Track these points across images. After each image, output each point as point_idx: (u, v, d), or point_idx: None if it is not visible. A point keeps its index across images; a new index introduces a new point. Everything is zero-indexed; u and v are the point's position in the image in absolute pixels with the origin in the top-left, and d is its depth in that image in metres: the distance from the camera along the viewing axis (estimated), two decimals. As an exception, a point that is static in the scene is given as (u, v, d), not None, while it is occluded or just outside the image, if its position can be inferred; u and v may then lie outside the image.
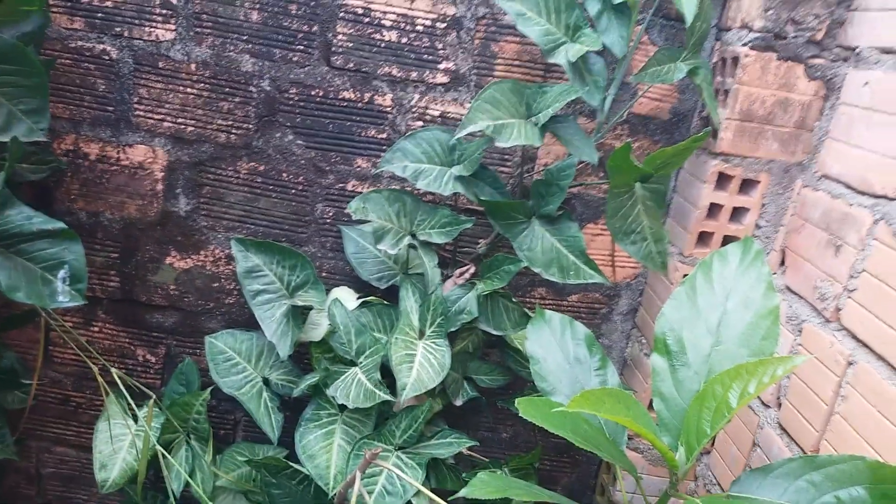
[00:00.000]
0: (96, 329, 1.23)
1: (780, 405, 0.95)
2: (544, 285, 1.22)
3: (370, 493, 1.00)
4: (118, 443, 1.13)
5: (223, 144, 1.13)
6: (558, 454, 1.33)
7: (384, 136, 1.12)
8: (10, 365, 1.18)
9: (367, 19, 1.06)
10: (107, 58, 1.08)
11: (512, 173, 1.14)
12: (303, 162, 1.14)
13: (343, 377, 1.05)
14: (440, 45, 1.08)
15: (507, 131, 0.94)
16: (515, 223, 1.02)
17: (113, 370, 1.14)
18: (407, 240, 1.05)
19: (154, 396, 1.13)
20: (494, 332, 1.11)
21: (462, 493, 0.76)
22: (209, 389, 1.13)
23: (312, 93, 1.10)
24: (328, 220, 1.17)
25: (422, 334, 1.06)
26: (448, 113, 1.11)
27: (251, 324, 1.18)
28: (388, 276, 1.14)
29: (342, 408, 1.09)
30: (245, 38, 1.07)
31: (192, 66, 1.08)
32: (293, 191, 1.15)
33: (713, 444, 1.11)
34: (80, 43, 1.07)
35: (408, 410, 1.05)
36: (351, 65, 1.09)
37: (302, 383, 1.09)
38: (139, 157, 1.13)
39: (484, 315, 1.10)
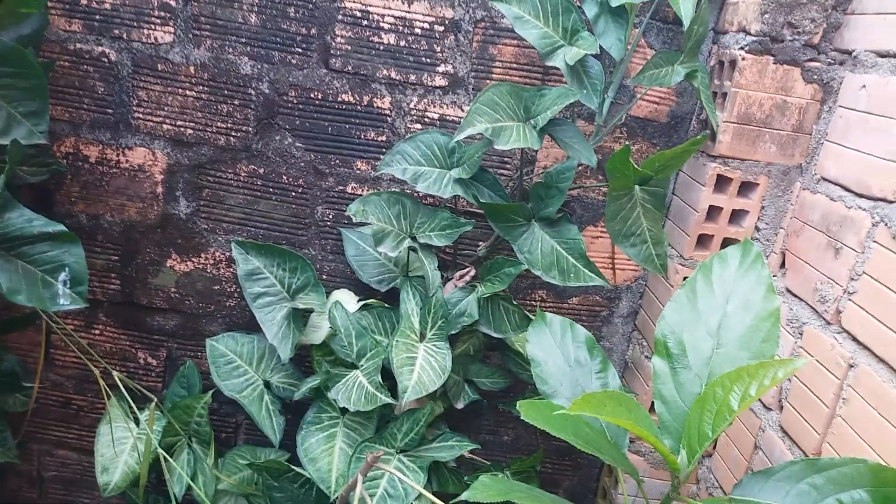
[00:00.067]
0: (97, 332, 1.23)
1: (781, 408, 0.95)
2: (545, 288, 1.22)
3: (372, 496, 1.00)
4: (120, 446, 1.13)
5: (223, 147, 1.13)
6: (560, 457, 1.33)
7: (383, 138, 1.12)
8: (11, 368, 1.18)
9: (365, 22, 1.06)
10: (106, 60, 1.08)
11: (511, 176, 1.14)
12: (302, 164, 1.14)
13: (344, 380, 1.05)
14: (438, 48, 1.08)
15: (505, 134, 0.94)
16: (515, 226, 1.02)
17: (114, 373, 1.14)
18: (407, 242, 1.05)
19: (155, 399, 1.13)
20: (495, 335, 1.11)
21: (464, 496, 0.76)
22: (210, 392, 1.13)
23: (311, 95, 1.10)
24: (328, 223, 1.17)
25: (423, 337, 1.06)
26: (447, 116, 1.11)
27: (252, 326, 1.18)
28: (389, 278, 1.14)
29: (343, 411, 1.09)
30: (244, 40, 1.07)
31: (191, 69, 1.08)
32: (293, 193, 1.15)
33: (715, 446, 1.11)
34: (78, 45, 1.07)
35: (409, 413, 1.06)
36: (349, 67, 1.09)
37: (303, 386, 1.09)
38: (139, 160, 1.13)
39: (484, 318, 1.10)
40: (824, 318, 0.89)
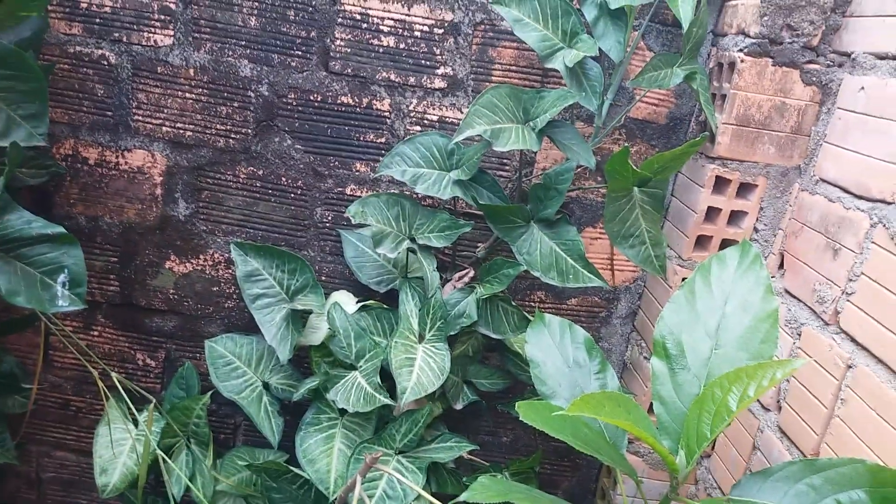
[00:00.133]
0: (96, 333, 1.23)
1: (779, 408, 0.95)
2: (543, 289, 1.22)
3: (371, 497, 1.00)
4: (118, 447, 1.13)
5: (222, 149, 1.13)
6: (559, 458, 1.33)
7: (383, 140, 1.13)
8: (9, 369, 1.18)
9: (365, 25, 1.07)
10: (105, 63, 1.08)
11: (510, 177, 1.15)
12: (301, 166, 1.14)
13: (343, 381, 1.05)
14: (438, 51, 1.08)
15: (504, 136, 0.95)
16: (514, 227, 1.02)
17: (113, 374, 1.14)
18: (406, 244, 1.05)
19: (154, 401, 1.13)
20: (494, 336, 1.11)
21: (463, 497, 0.76)
22: (209, 393, 1.13)
23: (311, 97, 1.10)
24: (327, 224, 1.17)
25: (421, 338, 1.06)
26: (446, 117, 1.11)
27: (251, 328, 1.18)
28: (388, 279, 1.14)
29: (342, 412, 1.09)
30: (243, 43, 1.07)
31: (191, 72, 1.08)
32: (292, 195, 1.16)
33: (713, 447, 1.11)
34: (78, 48, 1.07)
35: (408, 414, 1.06)
36: (349, 70, 1.09)
37: (302, 387, 1.09)
38: (138, 162, 1.13)
39: (483, 319, 1.10)
40: (823, 319, 0.89)
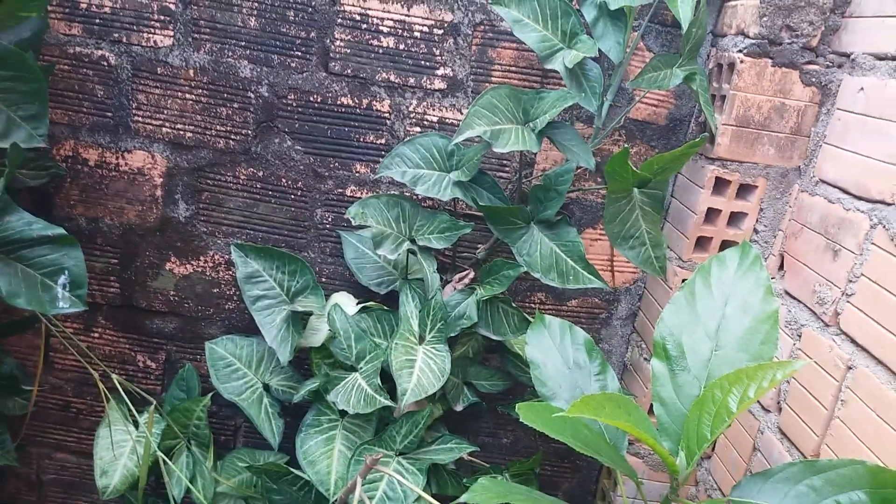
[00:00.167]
0: (96, 335, 1.23)
1: (780, 410, 0.95)
2: (544, 290, 1.22)
3: (371, 498, 1.00)
4: (119, 449, 1.13)
5: (222, 150, 1.13)
6: (559, 459, 1.33)
7: (382, 141, 1.13)
8: (10, 371, 1.18)
9: (364, 25, 1.07)
10: (105, 64, 1.08)
11: (510, 178, 1.15)
12: (301, 167, 1.14)
13: (343, 383, 1.05)
14: (438, 51, 1.08)
15: (504, 137, 0.95)
16: (514, 228, 1.02)
17: (113, 376, 1.14)
18: (406, 245, 1.05)
19: (155, 402, 1.13)
20: (494, 338, 1.11)
21: (463, 498, 0.76)
22: (210, 395, 1.13)
23: (311, 98, 1.10)
24: (327, 226, 1.17)
25: (422, 339, 1.06)
26: (446, 118, 1.11)
27: (251, 329, 1.18)
28: (388, 281, 1.14)
29: (343, 413, 1.09)
30: (243, 44, 1.07)
31: (191, 72, 1.08)
32: (292, 196, 1.16)
33: (713, 448, 1.11)
34: (78, 49, 1.07)
35: (408, 416, 1.06)
36: (349, 71, 1.09)
37: (302, 389, 1.09)
38: (138, 163, 1.13)
39: (483, 320, 1.10)
40: (823, 320, 0.89)
